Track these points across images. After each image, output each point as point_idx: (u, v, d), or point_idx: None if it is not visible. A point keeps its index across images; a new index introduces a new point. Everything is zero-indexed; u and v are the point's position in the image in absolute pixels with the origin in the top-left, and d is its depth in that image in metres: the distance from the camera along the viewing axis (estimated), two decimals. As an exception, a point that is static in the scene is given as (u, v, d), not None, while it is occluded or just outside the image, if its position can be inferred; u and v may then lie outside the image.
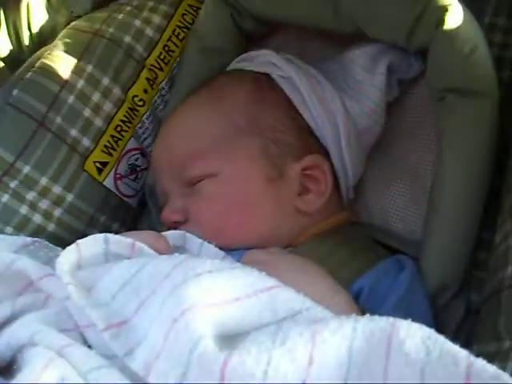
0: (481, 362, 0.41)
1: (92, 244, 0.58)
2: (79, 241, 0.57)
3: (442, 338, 0.43)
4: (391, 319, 0.45)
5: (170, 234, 0.65)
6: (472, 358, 0.41)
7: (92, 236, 0.58)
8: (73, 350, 0.48)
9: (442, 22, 0.67)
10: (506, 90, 0.72)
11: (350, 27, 0.75)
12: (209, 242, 0.64)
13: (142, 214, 0.86)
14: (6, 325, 0.54)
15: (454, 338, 0.66)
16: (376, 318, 0.46)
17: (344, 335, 0.44)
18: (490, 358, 0.57)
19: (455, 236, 0.68)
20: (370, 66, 0.74)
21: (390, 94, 0.77)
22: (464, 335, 0.68)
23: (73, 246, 0.57)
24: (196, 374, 0.42)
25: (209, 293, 0.48)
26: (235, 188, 0.68)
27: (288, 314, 0.48)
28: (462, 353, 0.42)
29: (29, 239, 0.65)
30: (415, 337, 0.43)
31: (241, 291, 0.49)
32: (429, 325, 0.63)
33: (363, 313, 0.57)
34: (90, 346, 0.50)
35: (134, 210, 0.84)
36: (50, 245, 0.67)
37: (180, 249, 0.65)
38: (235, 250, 0.65)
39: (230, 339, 0.46)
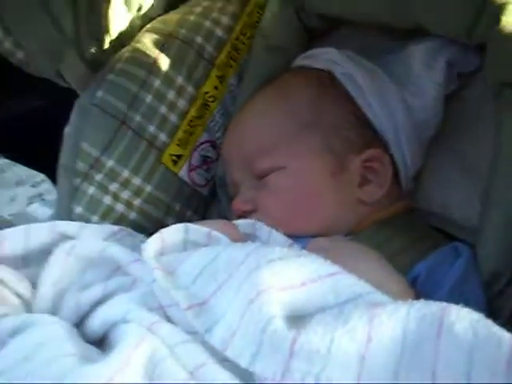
0: None
1: (174, 233, 0.64)
2: (162, 230, 0.64)
3: (489, 322, 0.48)
4: (443, 304, 0.50)
5: (241, 222, 0.71)
6: None
7: (174, 226, 0.64)
8: (161, 326, 0.54)
9: (501, 17, 0.69)
10: None
11: (410, 22, 0.78)
12: (276, 231, 0.70)
13: (212, 203, 0.92)
14: (99, 304, 0.61)
15: (508, 323, 0.70)
16: (429, 302, 0.50)
17: (399, 318, 0.48)
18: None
19: (510, 224, 0.71)
20: (429, 60, 0.77)
21: (448, 87, 0.80)
22: (517, 321, 0.71)
23: (157, 234, 0.63)
24: (268, 351, 0.48)
25: (280, 277, 0.53)
26: (300, 181, 0.74)
27: (349, 298, 0.53)
28: (506, 336, 0.46)
29: (116, 228, 0.73)
30: (464, 320, 0.47)
31: (307, 276, 0.54)
32: (482, 311, 0.68)
33: (419, 298, 0.62)
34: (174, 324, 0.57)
35: (206, 198, 0.90)
36: (134, 232, 0.74)
37: (251, 236, 0.71)
38: (301, 237, 0.70)
39: (297, 320, 0.51)
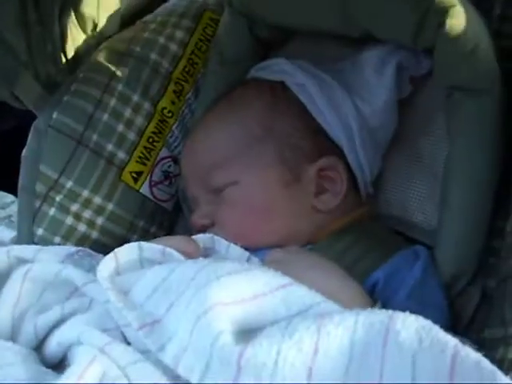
0: (466, 350, 0.45)
1: (127, 252, 0.64)
2: (116, 249, 0.64)
3: (435, 329, 0.48)
4: (390, 312, 0.50)
5: (199, 237, 0.72)
6: (459, 346, 0.46)
7: (127, 244, 0.65)
8: (113, 347, 0.54)
9: (443, 22, 0.70)
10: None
11: (359, 30, 0.79)
12: (234, 244, 0.70)
13: (178, 217, 0.92)
14: (56, 327, 0.61)
15: (470, 323, 0.72)
16: (376, 311, 0.51)
17: (346, 327, 0.49)
18: (497, 343, 0.62)
19: (467, 225, 0.72)
20: (379, 67, 0.78)
21: (402, 92, 0.81)
22: (479, 321, 0.71)
23: (111, 254, 0.64)
24: (217, 366, 0.48)
25: (229, 292, 0.54)
26: (254, 194, 0.74)
27: (300, 310, 0.54)
28: (451, 342, 0.46)
29: (73, 249, 0.73)
30: (410, 327, 0.48)
31: (257, 290, 0.55)
32: (443, 312, 0.69)
33: (376, 305, 0.63)
34: (129, 343, 0.58)
35: (170, 213, 0.90)
36: (93, 253, 0.74)
37: (210, 250, 0.72)
38: (259, 249, 0.71)
39: (248, 334, 0.52)
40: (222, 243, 0.70)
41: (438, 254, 0.74)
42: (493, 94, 0.72)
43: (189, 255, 0.65)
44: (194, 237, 0.72)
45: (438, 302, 0.70)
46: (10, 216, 1.33)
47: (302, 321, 0.50)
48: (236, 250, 0.69)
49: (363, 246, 0.73)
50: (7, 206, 1.34)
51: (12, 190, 1.22)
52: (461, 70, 0.71)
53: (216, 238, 0.71)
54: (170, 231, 0.91)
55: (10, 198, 1.35)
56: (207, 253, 0.71)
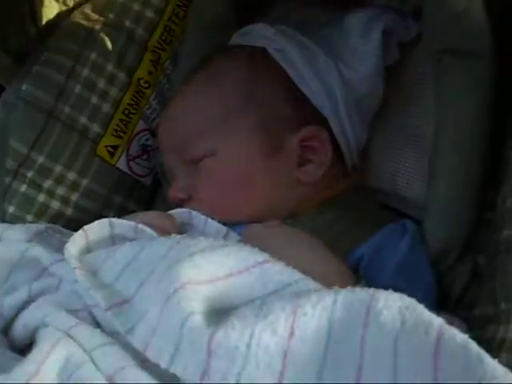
0: (451, 332, 0.42)
1: (98, 228, 0.61)
2: (85, 226, 0.61)
3: (420, 308, 0.45)
4: (371, 290, 0.47)
5: (176, 212, 0.69)
6: (445, 327, 0.43)
7: (97, 221, 0.61)
8: (79, 329, 0.51)
9: None
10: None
11: None
12: (212, 218, 0.67)
13: (157, 192, 0.88)
14: (24, 309, 0.58)
15: (459, 301, 0.69)
16: (357, 289, 0.47)
17: (325, 307, 0.46)
18: (487, 321, 0.59)
19: (454, 196, 0.69)
20: (364, 31, 0.74)
21: (389, 58, 0.77)
22: (469, 298, 0.69)
23: (80, 231, 0.60)
24: (186, 349, 0.45)
25: (201, 270, 0.50)
26: (233, 165, 0.71)
27: (278, 287, 0.51)
28: (435, 322, 0.43)
29: (42, 226, 0.70)
30: (392, 307, 0.45)
31: (233, 267, 0.51)
32: (431, 288, 0.66)
33: (360, 282, 0.59)
34: (99, 324, 0.54)
35: (149, 188, 0.87)
36: (64, 230, 0.71)
37: (187, 225, 0.68)
38: (238, 224, 0.68)
39: (222, 314, 0.49)
40: (199, 218, 0.67)
41: (426, 227, 0.70)
42: (484, 58, 0.68)
43: (163, 231, 0.62)
44: (170, 212, 0.69)
45: (426, 278, 0.67)
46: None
47: (277, 300, 0.47)
48: (213, 225, 0.66)
49: (348, 220, 0.69)
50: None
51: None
52: (452, 32, 0.67)
53: (193, 212, 0.68)
54: (148, 207, 0.88)
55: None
56: (184, 228, 0.68)
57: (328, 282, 0.51)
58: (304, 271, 0.52)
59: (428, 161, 0.73)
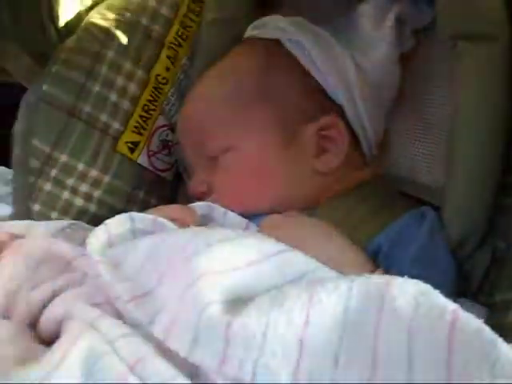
0: (466, 317, 0.42)
1: (119, 223, 0.62)
2: (107, 221, 0.62)
3: (435, 294, 0.45)
4: (387, 277, 0.47)
5: (196, 205, 0.69)
6: (460, 312, 0.43)
7: (118, 216, 0.63)
8: (102, 321, 0.53)
9: None
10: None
11: None
12: (232, 211, 0.68)
13: (179, 187, 0.90)
14: (49, 303, 0.60)
15: (480, 287, 0.68)
16: (373, 276, 0.48)
17: (340, 295, 0.46)
18: (508, 306, 0.58)
19: (473, 181, 0.68)
20: (378, 18, 0.74)
21: (404, 45, 0.76)
22: (489, 283, 0.68)
23: (101, 226, 0.62)
24: (205, 337, 0.46)
25: (220, 261, 0.51)
26: (251, 157, 0.71)
27: (295, 277, 0.51)
28: (449, 307, 0.43)
29: (65, 222, 0.71)
30: (407, 293, 0.45)
31: (251, 257, 0.52)
32: (451, 276, 0.66)
33: (379, 270, 0.60)
34: (121, 317, 0.56)
35: (171, 183, 0.88)
36: (87, 226, 0.72)
37: (207, 218, 0.69)
38: (257, 215, 0.68)
39: (240, 304, 0.49)
40: (218, 211, 0.68)
41: (445, 214, 0.70)
42: (500, 43, 0.67)
43: (183, 224, 0.63)
44: (190, 205, 0.69)
45: (445, 265, 0.67)
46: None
47: (292, 288, 0.48)
48: (233, 217, 0.67)
49: (367, 209, 0.69)
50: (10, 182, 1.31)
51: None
52: (465, 15, 0.66)
53: (213, 205, 0.68)
54: (170, 202, 0.89)
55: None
56: (205, 221, 0.69)
57: (346, 271, 0.52)
58: (322, 261, 0.52)
59: (447, 147, 0.73)
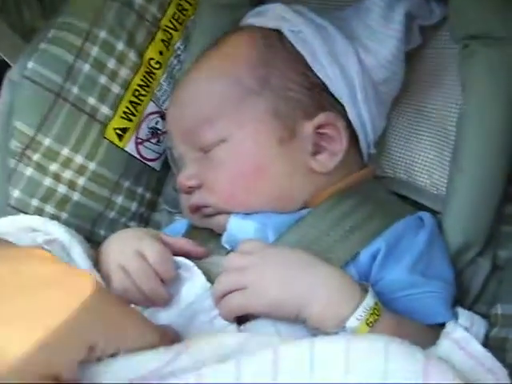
0: None
1: None
2: None
3: None
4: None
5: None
6: None
7: None
8: None
9: None
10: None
11: None
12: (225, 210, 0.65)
13: (166, 177, 0.86)
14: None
15: (479, 296, 0.67)
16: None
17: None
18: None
19: (479, 190, 0.67)
20: (386, 13, 0.71)
21: (411, 42, 0.74)
22: (490, 293, 0.67)
23: None
24: None
25: None
26: (245, 152, 0.67)
27: None
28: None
29: (41, 239, 0.63)
30: None
31: None
32: (449, 284, 0.64)
33: (362, 286, 0.56)
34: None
35: (159, 172, 0.84)
36: (65, 241, 0.64)
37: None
38: (251, 213, 0.66)
39: None
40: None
41: (447, 221, 0.68)
42: None
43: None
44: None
45: (444, 273, 0.65)
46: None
47: None
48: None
49: (364, 212, 0.66)
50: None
51: None
52: (481, 17, 0.64)
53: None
54: (157, 192, 0.85)
55: None
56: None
57: (333, 300, 0.54)
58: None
59: (452, 151, 0.70)
